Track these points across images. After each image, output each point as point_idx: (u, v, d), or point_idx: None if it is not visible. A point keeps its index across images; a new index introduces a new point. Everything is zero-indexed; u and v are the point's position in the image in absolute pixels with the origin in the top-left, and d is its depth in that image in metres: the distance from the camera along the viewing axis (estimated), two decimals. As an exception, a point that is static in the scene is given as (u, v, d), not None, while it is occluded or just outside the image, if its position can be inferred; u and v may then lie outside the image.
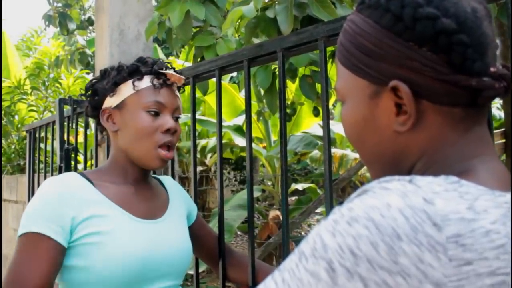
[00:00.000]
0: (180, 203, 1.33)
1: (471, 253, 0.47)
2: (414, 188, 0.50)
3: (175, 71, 1.28)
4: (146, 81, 1.21)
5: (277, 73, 1.90)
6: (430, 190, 0.50)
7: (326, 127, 1.17)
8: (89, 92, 1.28)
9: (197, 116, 5.64)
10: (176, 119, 1.24)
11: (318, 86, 2.02)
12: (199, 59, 1.95)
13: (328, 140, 1.16)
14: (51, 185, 1.12)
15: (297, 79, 2.09)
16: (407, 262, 0.46)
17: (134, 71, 1.22)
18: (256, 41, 1.71)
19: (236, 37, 2.08)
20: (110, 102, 1.23)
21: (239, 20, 1.55)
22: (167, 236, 1.21)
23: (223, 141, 4.01)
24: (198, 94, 1.85)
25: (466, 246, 0.47)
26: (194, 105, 1.61)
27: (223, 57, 1.50)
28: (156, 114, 1.19)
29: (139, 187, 1.24)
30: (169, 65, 1.29)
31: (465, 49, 0.57)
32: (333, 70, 2.22)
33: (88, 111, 1.29)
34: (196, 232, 1.37)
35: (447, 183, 0.52)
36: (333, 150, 6.07)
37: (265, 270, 1.37)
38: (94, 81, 1.29)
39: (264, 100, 1.96)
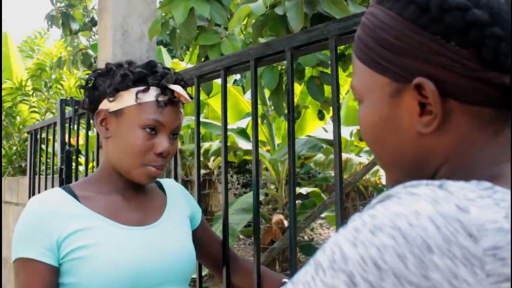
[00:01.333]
0: (182, 205, 1.27)
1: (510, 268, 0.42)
2: (446, 194, 0.45)
3: (185, 84, 1.17)
4: (151, 95, 1.11)
5: (284, 73, 1.85)
6: (464, 197, 0.45)
7: (336, 129, 1.12)
8: (90, 84, 1.19)
9: (201, 119, 5.60)
10: (174, 135, 1.16)
11: (326, 88, 1.97)
12: (203, 59, 1.91)
13: (339, 143, 1.11)
14: (30, 206, 1.09)
15: (303, 82, 2.05)
16: (439, 277, 0.42)
17: (139, 80, 1.12)
18: (262, 41, 1.67)
19: (242, 37, 2.04)
20: (108, 105, 1.14)
21: (246, 18, 1.51)
22: (163, 241, 1.15)
23: (227, 144, 3.96)
24: (202, 97, 1.81)
25: (506, 260, 0.42)
26: (199, 107, 1.56)
27: (228, 57, 1.45)
28: (153, 132, 1.11)
29: (129, 194, 1.18)
30: (178, 77, 1.17)
31: (498, 43, 0.52)
32: (340, 72, 2.17)
33: (85, 103, 1.20)
34: (200, 236, 1.32)
35: (480, 189, 0.47)
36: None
37: (270, 277, 1.32)
38: (98, 71, 1.19)
39: (270, 102, 1.92)
